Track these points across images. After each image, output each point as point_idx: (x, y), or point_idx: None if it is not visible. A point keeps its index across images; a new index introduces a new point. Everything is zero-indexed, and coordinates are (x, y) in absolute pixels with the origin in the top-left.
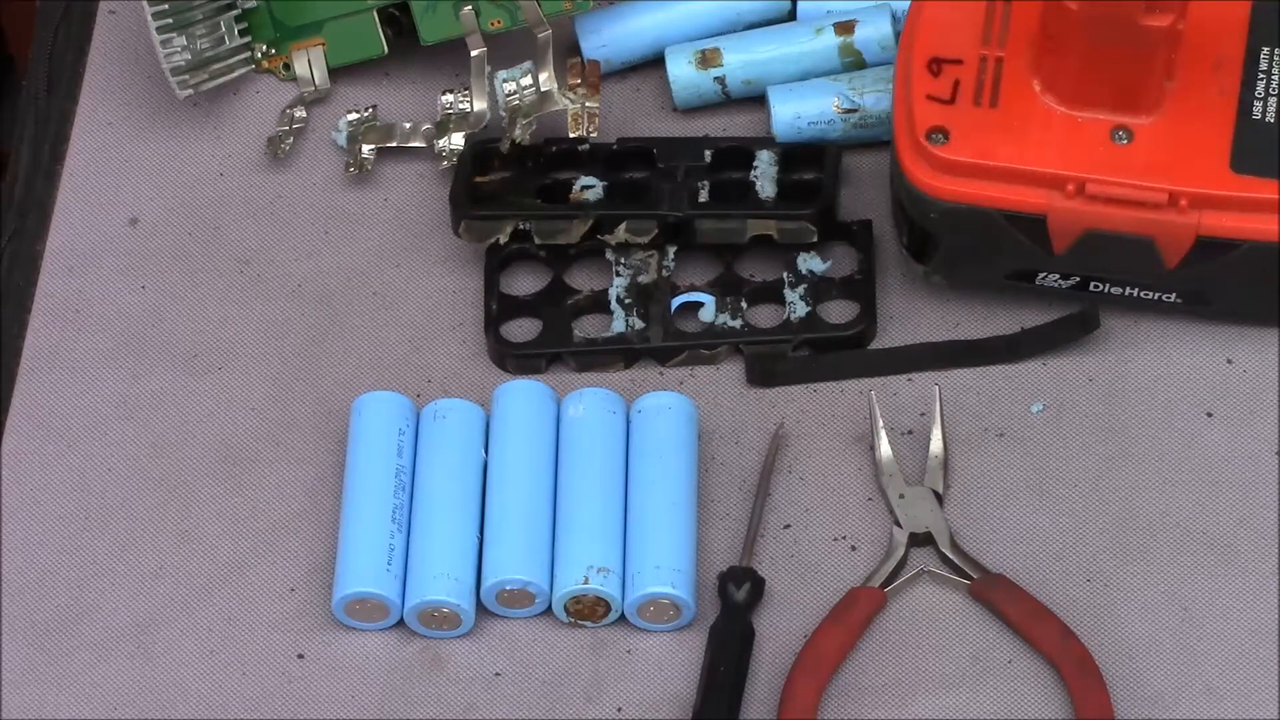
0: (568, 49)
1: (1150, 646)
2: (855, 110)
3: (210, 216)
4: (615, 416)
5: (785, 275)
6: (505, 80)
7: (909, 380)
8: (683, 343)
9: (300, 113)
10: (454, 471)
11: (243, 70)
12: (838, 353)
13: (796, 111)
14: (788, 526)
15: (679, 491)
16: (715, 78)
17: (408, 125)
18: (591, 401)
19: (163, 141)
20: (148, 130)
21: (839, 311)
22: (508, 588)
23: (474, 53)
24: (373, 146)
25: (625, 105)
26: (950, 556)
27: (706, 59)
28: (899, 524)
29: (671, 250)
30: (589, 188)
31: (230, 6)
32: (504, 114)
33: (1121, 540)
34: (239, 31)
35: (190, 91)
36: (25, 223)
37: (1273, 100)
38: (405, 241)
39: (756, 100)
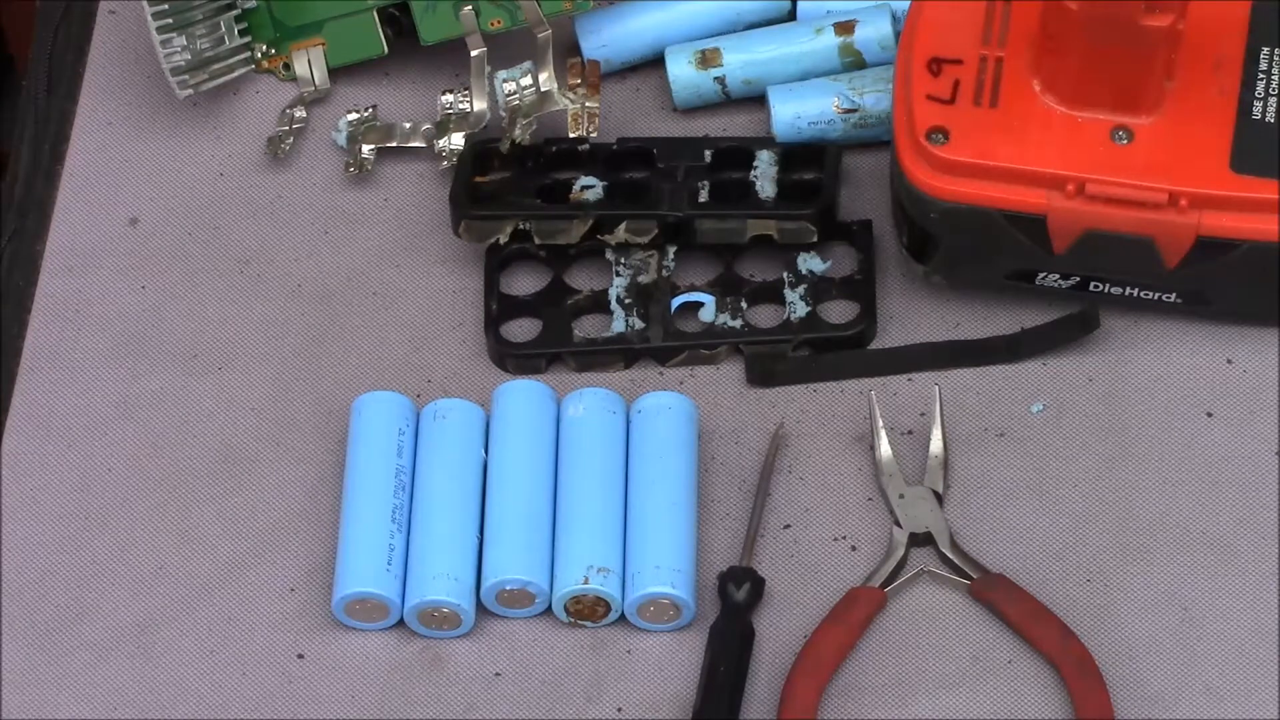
0: (568, 49)
1: (1150, 646)
2: (855, 110)
3: (210, 216)
4: (615, 416)
5: (785, 275)
6: (505, 80)
7: (909, 380)
8: (683, 343)
9: (300, 113)
10: (454, 471)
11: (243, 70)
12: (838, 353)
13: (796, 111)
14: (788, 526)
15: (679, 491)
16: (715, 78)
17: (408, 125)
18: (591, 401)
19: (163, 141)
20: (148, 130)
21: (839, 311)
22: (508, 588)
23: (474, 53)
24: (373, 146)
25: (625, 105)
26: (950, 556)
27: (706, 59)
28: (899, 524)
29: (671, 250)
30: (589, 188)
31: (230, 6)
32: (504, 114)
33: (1121, 540)
34: (239, 31)
35: (190, 91)
36: (25, 223)
37: (1273, 100)
38: (405, 241)
39: (756, 100)
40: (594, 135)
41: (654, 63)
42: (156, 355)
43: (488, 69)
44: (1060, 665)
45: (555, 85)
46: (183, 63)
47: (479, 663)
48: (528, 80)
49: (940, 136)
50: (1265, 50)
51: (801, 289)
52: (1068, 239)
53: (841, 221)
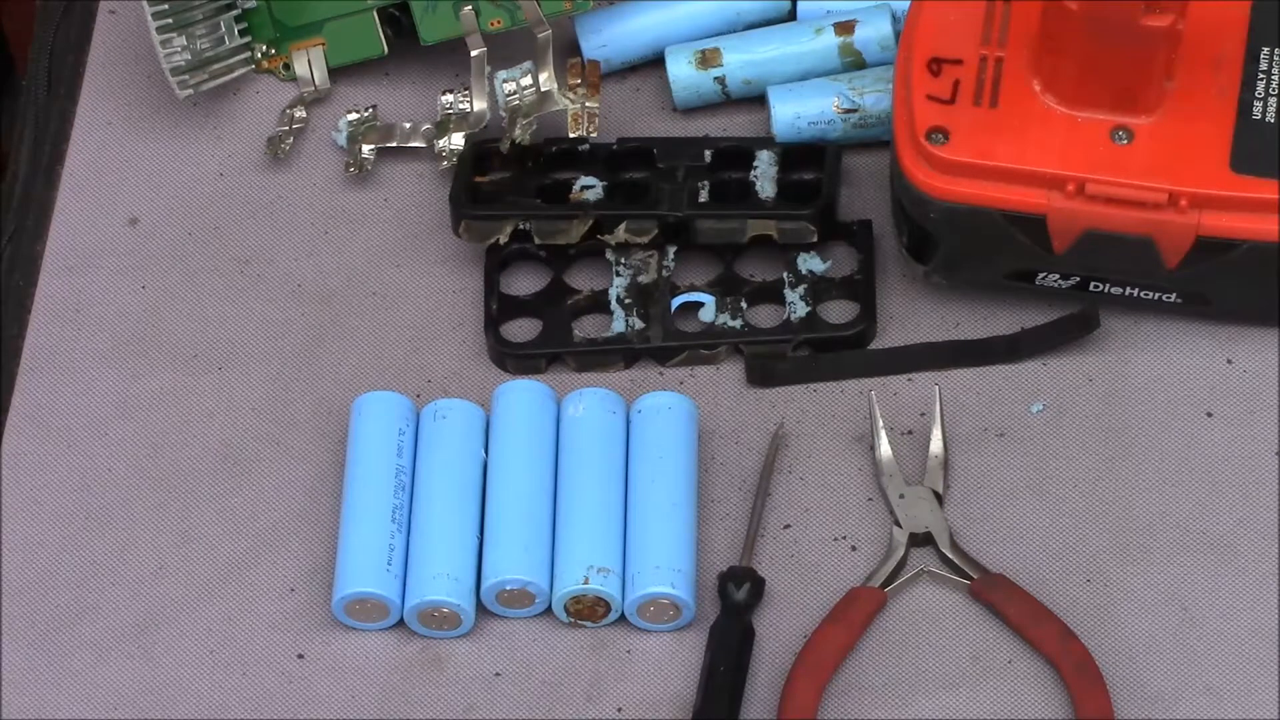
0: (568, 49)
1: (1150, 646)
2: (855, 110)
3: (210, 216)
4: (615, 416)
5: (785, 275)
6: (505, 80)
7: (909, 380)
8: (683, 343)
9: (300, 113)
10: (454, 471)
11: (243, 70)
12: (838, 353)
13: (796, 111)
14: (788, 526)
15: (679, 491)
16: (715, 78)
17: (408, 125)
18: (591, 401)
19: (163, 141)
20: (148, 130)
21: (839, 311)
22: (508, 588)
23: (474, 53)
24: (373, 146)
25: (625, 105)
26: (950, 556)
27: (706, 59)
28: (899, 524)
29: (671, 250)
30: (589, 188)
31: (230, 6)
32: (504, 114)
33: (1121, 540)
34: (239, 31)
35: (190, 91)
36: (25, 223)
37: (1273, 100)
38: (405, 241)
39: (756, 100)
40: (594, 135)
41: (654, 63)
42: (156, 355)
43: (488, 69)
44: (1060, 665)
45: (555, 85)
46: (183, 63)
47: (479, 663)
48: (528, 80)
49: (940, 136)
50: (1265, 50)
51: (801, 289)
52: (1068, 239)
53: (841, 221)
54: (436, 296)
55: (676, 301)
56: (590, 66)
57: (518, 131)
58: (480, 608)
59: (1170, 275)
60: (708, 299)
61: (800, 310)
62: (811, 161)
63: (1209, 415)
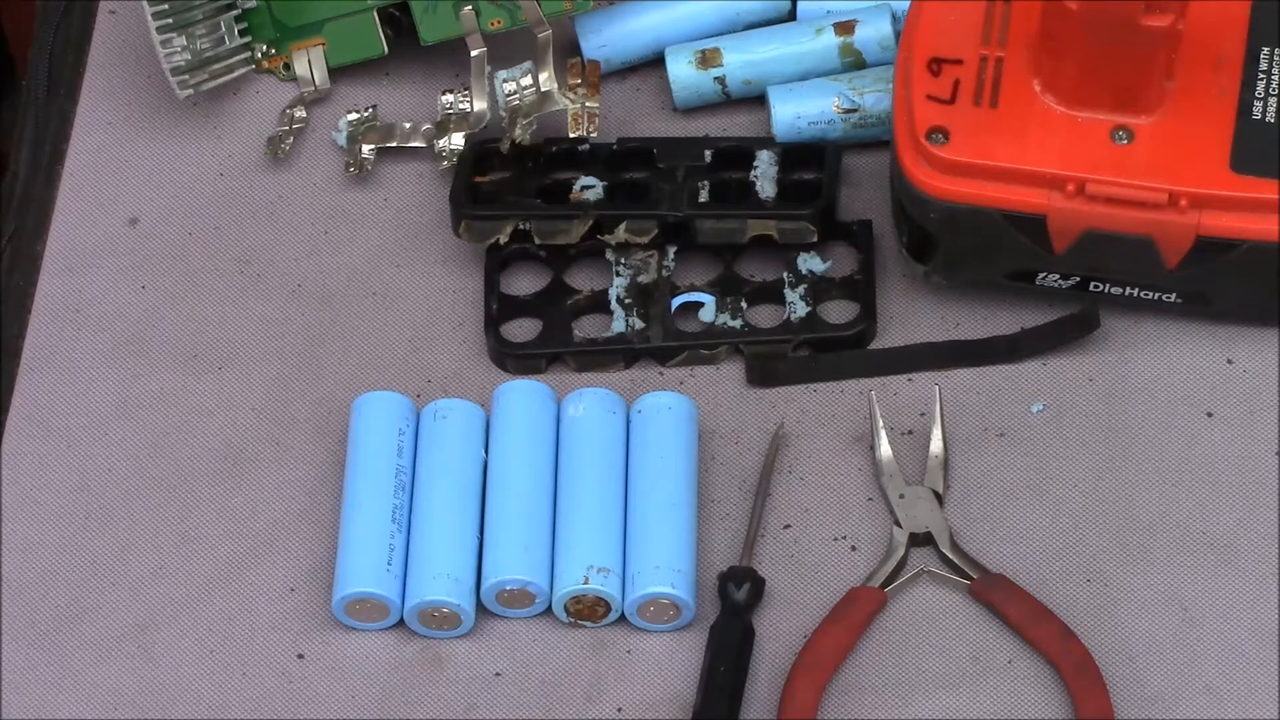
0: (568, 49)
1: (1150, 646)
2: (855, 110)
3: (210, 216)
4: (615, 416)
5: (785, 275)
6: (505, 80)
7: (909, 380)
8: (683, 343)
9: (300, 113)
10: (454, 471)
11: (243, 70)
12: (838, 353)
13: (796, 111)
14: (788, 526)
15: (679, 491)
16: (715, 78)
17: (408, 125)
18: (591, 401)
19: (163, 141)
20: (148, 130)
21: (839, 311)
22: (508, 588)
23: (474, 53)
24: (373, 146)
25: (625, 105)
26: (950, 556)
27: (706, 59)
28: (899, 524)
29: (671, 250)
30: (589, 188)
31: (230, 6)
32: (504, 114)
33: (1121, 540)
34: (239, 31)
35: (190, 91)
36: (25, 223)
37: (1273, 100)
38: (405, 241)
39: (756, 100)
40: (594, 135)
41: (654, 63)
42: (156, 355)
43: (488, 69)
44: (1060, 665)
45: (555, 85)
46: (183, 63)
47: (479, 663)
48: (528, 80)
49: (940, 136)
50: (1265, 50)
51: (801, 289)
52: (1068, 239)
53: (841, 221)
54: (436, 296)
55: (676, 301)
56: (590, 66)
57: (518, 131)
58: (480, 608)
59: (1170, 275)
60: (708, 299)
61: (800, 310)
62: (811, 161)
63: (1209, 415)
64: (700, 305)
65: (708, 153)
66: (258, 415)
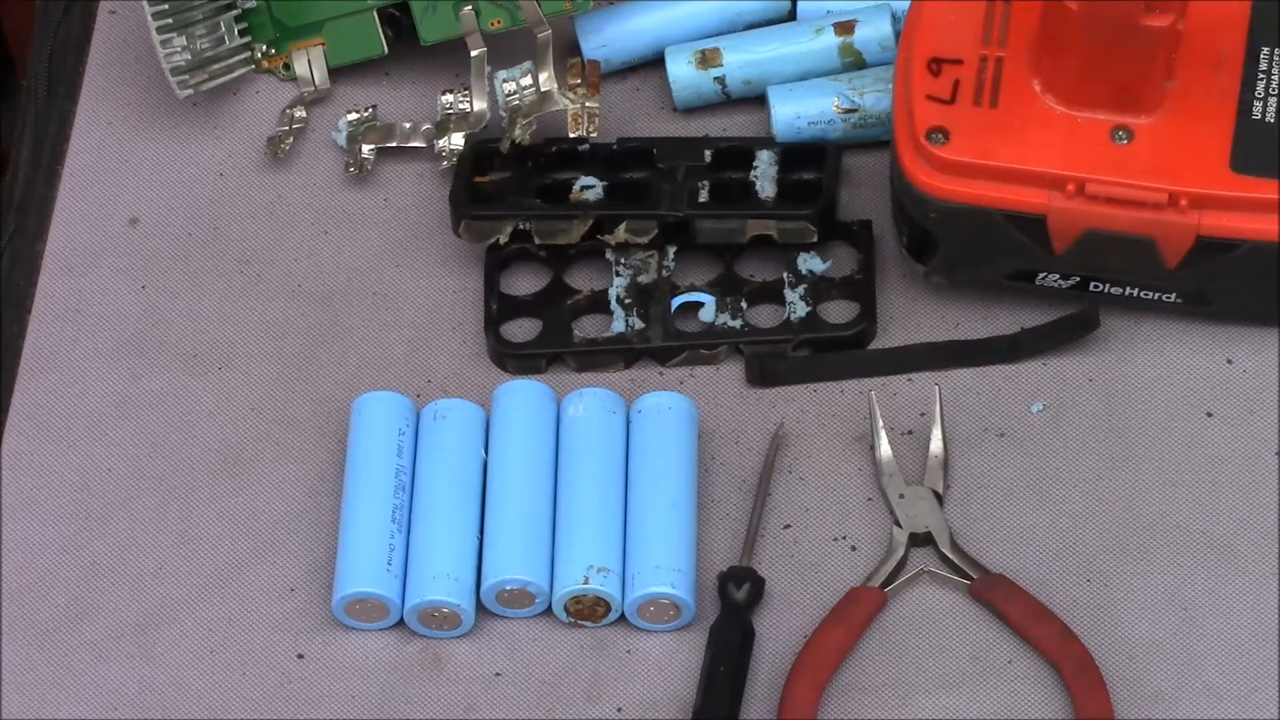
0: (568, 49)
1: (1150, 646)
2: (855, 110)
3: (210, 216)
4: (615, 416)
5: (785, 275)
6: (505, 80)
7: (909, 380)
8: (683, 343)
9: (300, 113)
10: (454, 471)
11: (243, 70)
12: (838, 353)
13: (796, 111)
14: (788, 526)
15: (679, 491)
16: (715, 78)
17: (408, 125)
18: (591, 401)
19: (163, 141)
20: (148, 130)
21: (839, 311)
22: (508, 588)
23: (474, 53)
24: (373, 146)
25: (625, 105)
26: (950, 556)
27: (706, 59)
28: (899, 524)
29: (671, 250)
30: (589, 188)
31: (230, 6)
32: (504, 114)
33: (1121, 540)
34: (239, 31)
35: (190, 91)
36: (25, 223)
37: (1273, 100)
38: (405, 241)
39: (756, 100)
40: (594, 135)
41: (654, 63)
42: (156, 355)
43: (488, 69)
44: (1060, 665)
45: (555, 85)
46: (183, 63)
47: (479, 663)
48: (528, 80)
49: (940, 136)
50: (1265, 50)
51: (801, 289)
52: (1068, 239)
53: (841, 221)
54: (436, 296)
55: (676, 301)
56: (590, 66)
57: (518, 131)
58: (480, 608)
59: (1170, 275)
60: (708, 299)
61: (800, 310)
62: (811, 161)
63: (1209, 415)
64: (700, 305)
65: (708, 153)
66: (258, 415)
